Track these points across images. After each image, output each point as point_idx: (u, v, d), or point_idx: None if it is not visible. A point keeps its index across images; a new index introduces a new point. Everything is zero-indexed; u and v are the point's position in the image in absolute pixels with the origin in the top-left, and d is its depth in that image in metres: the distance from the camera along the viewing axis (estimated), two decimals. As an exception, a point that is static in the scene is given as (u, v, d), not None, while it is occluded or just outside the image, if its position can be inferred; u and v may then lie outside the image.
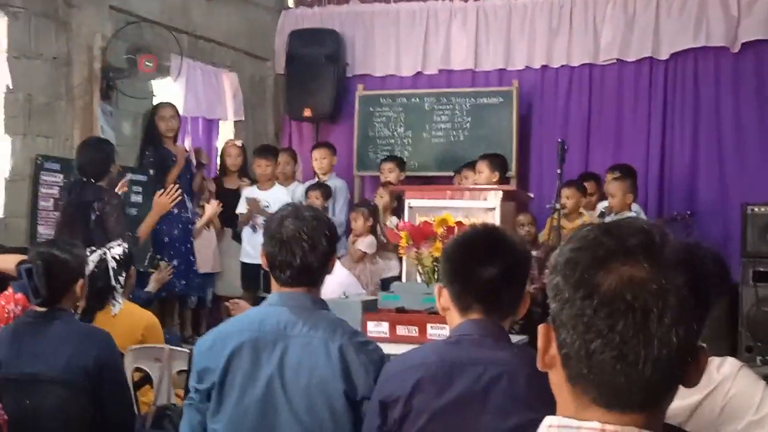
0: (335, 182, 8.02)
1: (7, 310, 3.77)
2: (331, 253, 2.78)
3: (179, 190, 6.17)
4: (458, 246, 2.52)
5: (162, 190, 6.09)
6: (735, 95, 7.97)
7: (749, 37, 7.84)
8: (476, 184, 6.83)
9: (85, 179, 5.73)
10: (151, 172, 7.17)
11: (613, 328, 1.14)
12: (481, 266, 2.41)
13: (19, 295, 3.78)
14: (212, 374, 2.69)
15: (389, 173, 7.92)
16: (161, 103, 7.41)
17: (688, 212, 7.58)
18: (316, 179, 8.02)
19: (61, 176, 6.46)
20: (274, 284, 2.81)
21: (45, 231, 6.30)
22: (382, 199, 7.49)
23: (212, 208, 7.36)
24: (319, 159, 8.02)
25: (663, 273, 1.15)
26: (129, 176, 6.48)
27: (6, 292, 3.80)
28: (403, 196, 6.05)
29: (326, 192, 7.55)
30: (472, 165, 7.30)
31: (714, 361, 2.42)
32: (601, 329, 1.15)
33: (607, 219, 6.59)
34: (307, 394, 2.63)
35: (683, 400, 2.41)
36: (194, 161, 7.71)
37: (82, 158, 5.87)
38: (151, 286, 5.73)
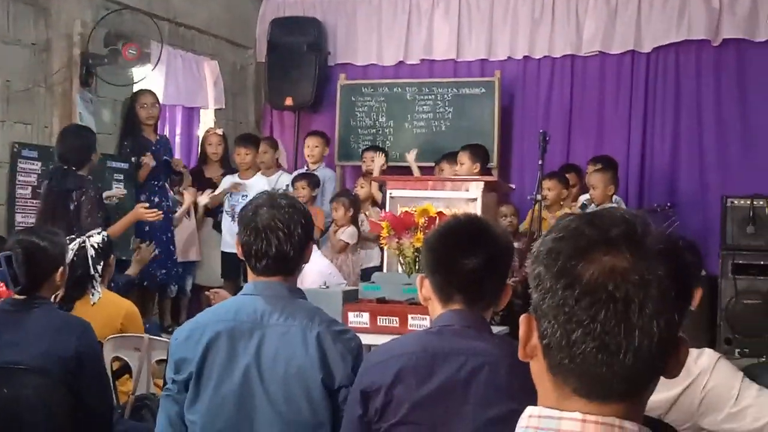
0: (324, 172, 8.00)
1: None
2: (307, 241, 2.76)
3: (161, 213, 6.20)
4: (441, 236, 2.50)
5: (147, 205, 6.12)
6: (716, 89, 8.00)
7: (731, 35, 7.86)
8: (457, 174, 6.84)
9: (65, 167, 5.69)
10: (133, 159, 7.13)
11: (594, 318, 1.14)
12: (464, 257, 2.39)
13: (3, 288, 3.75)
14: (189, 365, 2.67)
15: (371, 162, 7.91)
16: (141, 90, 7.36)
17: (668, 204, 7.61)
18: (305, 168, 7.99)
19: (39, 164, 6.40)
20: (250, 273, 2.79)
21: (22, 219, 6.25)
22: (362, 189, 7.46)
23: (191, 195, 7.35)
24: (311, 146, 7.99)
25: (645, 263, 1.15)
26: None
27: None
28: (384, 185, 6.04)
29: (313, 181, 7.52)
30: (449, 156, 7.31)
31: (692, 353, 2.43)
32: (583, 319, 1.15)
33: (588, 210, 6.61)
34: (285, 384, 2.61)
35: (662, 392, 2.42)
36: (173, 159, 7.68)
37: (62, 146, 5.83)
38: (132, 269, 5.69)
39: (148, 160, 7.11)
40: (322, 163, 8.08)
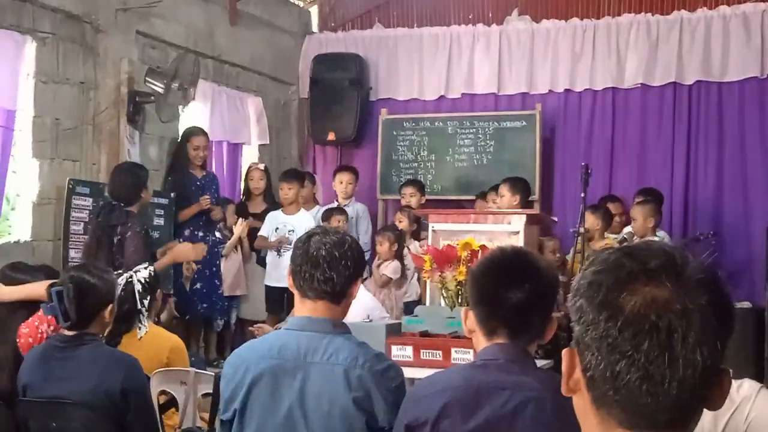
0: (356, 207, 8.06)
1: (40, 330, 3.80)
2: (356, 275, 2.75)
3: (206, 247, 6.22)
4: (486, 269, 2.48)
5: (189, 245, 6.14)
6: (761, 118, 7.95)
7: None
8: (497, 207, 6.84)
9: (114, 203, 5.78)
10: (172, 195, 7.22)
11: (638, 348, 1.15)
12: (509, 290, 2.38)
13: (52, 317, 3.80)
14: (234, 403, 2.69)
15: (410, 197, 7.95)
16: (196, 129, 7.44)
17: (711, 232, 7.56)
18: (335, 203, 8.05)
19: (91, 200, 6.48)
20: (297, 303, 2.78)
21: (75, 255, 6.32)
22: (400, 223, 7.48)
23: (240, 227, 7.41)
24: (345, 183, 8.06)
25: (686, 293, 1.16)
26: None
27: (39, 313, 3.83)
28: (424, 219, 6.03)
29: (346, 217, 7.61)
30: (496, 188, 7.32)
31: (732, 384, 2.39)
32: (626, 350, 1.16)
33: (628, 243, 6.54)
34: (328, 424, 2.61)
35: (705, 425, 2.39)
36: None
37: (113, 182, 5.93)
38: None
39: (204, 203, 7.18)
40: (353, 197, 8.14)
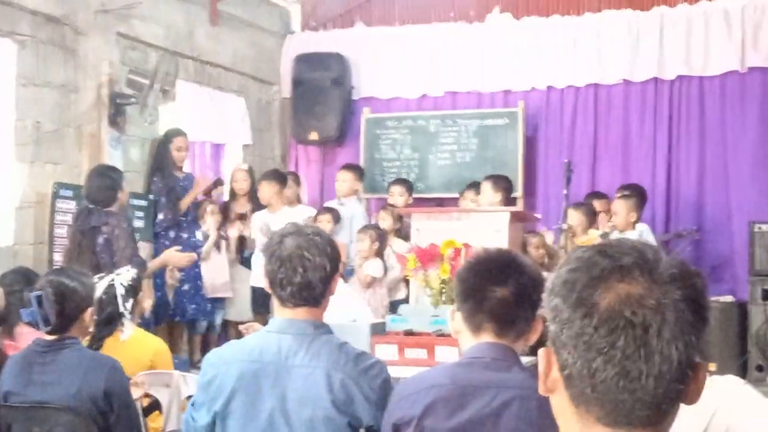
0: (354, 206, 8.00)
1: None
2: (332, 272, 2.72)
3: (195, 257, 6.34)
4: (471, 267, 2.52)
5: (179, 248, 6.25)
6: (741, 113, 7.98)
7: (756, 64, 7.85)
8: (479, 204, 6.84)
9: (93, 206, 5.76)
10: (151, 197, 7.22)
11: (613, 345, 1.15)
12: (493, 285, 2.41)
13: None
14: (215, 405, 2.67)
15: (398, 196, 7.93)
16: (177, 131, 7.44)
17: (694, 228, 7.58)
18: (338, 201, 8.02)
19: (74, 203, 6.45)
20: (276, 307, 2.75)
21: (60, 258, 6.28)
22: (383, 222, 7.47)
23: (212, 226, 7.43)
24: (340, 181, 8.02)
25: (659, 288, 1.17)
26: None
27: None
28: (407, 218, 6.02)
29: (335, 216, 7.56)
30: (474, 186, 7.32)
31: (715, 381, 2.39)
32: (602, 347, 1.16)
33: (611, 237, 6.58)
34: (311, 427, 2.60)
35: (690, 425, 2.39)
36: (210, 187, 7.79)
37: (89, 186, 5.90)
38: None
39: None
40: (354, 196, 8.09)
